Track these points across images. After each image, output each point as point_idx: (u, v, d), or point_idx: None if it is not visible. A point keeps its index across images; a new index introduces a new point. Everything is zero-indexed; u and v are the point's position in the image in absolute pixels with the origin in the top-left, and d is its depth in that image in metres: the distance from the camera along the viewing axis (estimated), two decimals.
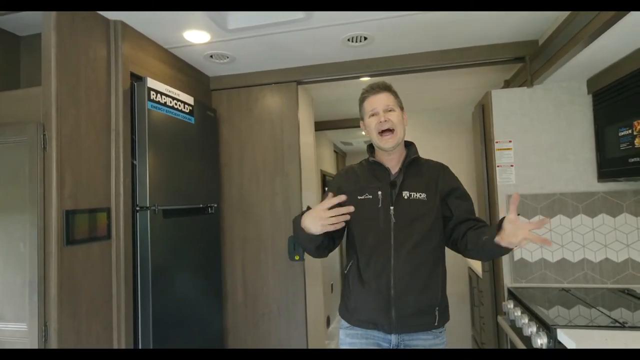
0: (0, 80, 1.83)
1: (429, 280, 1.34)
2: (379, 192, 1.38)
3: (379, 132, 1.38)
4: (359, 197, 1.39)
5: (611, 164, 1.86)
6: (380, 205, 1.36)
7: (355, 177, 1.46)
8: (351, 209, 1.16)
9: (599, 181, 2.01)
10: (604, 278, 1.99)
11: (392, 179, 1.41)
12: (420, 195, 1.37)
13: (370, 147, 1.50)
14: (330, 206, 1.16)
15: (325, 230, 1.18)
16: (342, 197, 1.17)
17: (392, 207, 1.35)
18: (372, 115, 1.41)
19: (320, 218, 1.16)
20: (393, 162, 1.44)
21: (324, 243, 1.31)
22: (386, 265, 1.33)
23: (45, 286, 1.45)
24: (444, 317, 1.39)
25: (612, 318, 1.47)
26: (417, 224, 1.34)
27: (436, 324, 1.36)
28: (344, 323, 1.44)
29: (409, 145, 1.49)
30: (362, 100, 1.46)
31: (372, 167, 1.46)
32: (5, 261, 1.51)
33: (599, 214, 2.02)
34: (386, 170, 1.42)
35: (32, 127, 1.49)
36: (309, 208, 1.24)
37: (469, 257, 1.39)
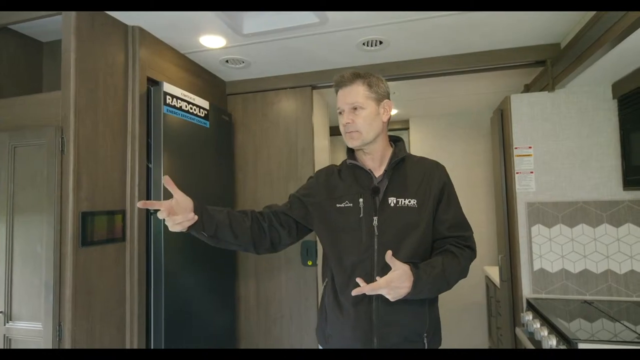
0: (24, 85, 1.88)
1: (416, 303, 1.15)
2: (360, 200, 1.19)
3: (345, 132, 1.21)
4: (338, 205, 1.21)
5: (638, 171, 1.78)
6: (361, 215, 1.18)
7: (335, 180, 1.27)
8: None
9: (624, 189, 1.93)
10: (629, 291, 1.90)
11: (375, 184, 1.21)
12: (410, 201, 1.18)
13: (350, 150, 1.29)
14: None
15: (176, 230, 1.08)
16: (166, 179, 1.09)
17: (375, 218, 1.17)
18: (339, 113, 1.22)
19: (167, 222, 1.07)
20: (375, 163, 1.24)
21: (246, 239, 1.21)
22: None
23: (61, 287, 1.48)
24: (435, 342, 1.22)
25: (637, 333, 1.40)
26: (406, 237, 1.16)
27: None
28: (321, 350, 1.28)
29: (396, 141, 1.30)
30: (336, 93, 1.26)
31: (353, 170, 1.26)
32: (23, 261, 1.54)
33: (624, 223, 1.93)
34: (368, 173, 1.23)
35: (51, 130, 1.52)
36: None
37: None
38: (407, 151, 1.31)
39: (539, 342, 1.59)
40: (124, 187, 1.74)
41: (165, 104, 1.87)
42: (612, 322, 1.55)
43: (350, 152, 1.29)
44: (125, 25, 1.79)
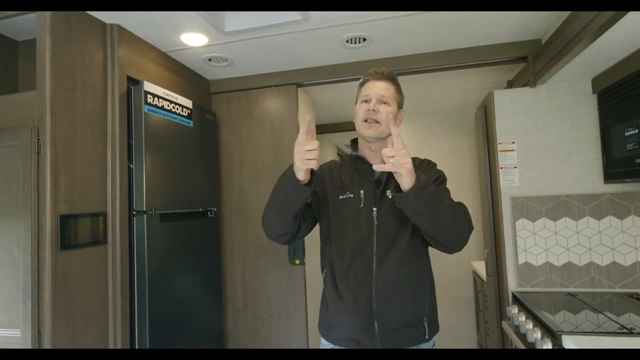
0: None
1: (415, 289, 1.22)
2: (361, 191, 1.24)
3: (364, 119, 1.25)
4: (340, 197, 1.26)
5: (618, 164, 1.81)
6: (362, 206, 1.23)
7: (338, 173, 1.32)
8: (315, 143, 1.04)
9: (605, 183, 1.96)
10: (612, 282, 1.94)
11: (377, 177, 1.27)
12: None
13: (354, 142, 1.37)
14: (306, 131, 1.04)
15: (307, 167, 1.04)
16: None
17: (375, 209, 1.22)
18: (364, 101, 1.26)
19: (299, 152, 1.03)
20: (377, 159, 1.27)
21: (297, 218, 1.18)
22: (367, 274, 1.19)
23: (39, 292, 1.44)
24: (434, 327, 1.27)
25: (619, 324, 1.43)
26: (402, 227, 1.21)
27: (427, 336, 1.22)
28: (324, 342, 1.30)
29: None
30: (361, 83, 1.31)
31: (355, 163, 1.32)
32: (0, 266, 1.49)
33: (605, 216, 1.96)
34: (370, 167, 1.26)
35: (27, 131, 1.48)
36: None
37: (435, 246, 1.20)
38: None
39: (524, 335, 1.61)
40: (104, 189, 1.70)
41: (147, 103, 1.83)
42: (596, 314, 1.57)
43: (354, 146, 1.35)
44: (103, 23, 1.75)
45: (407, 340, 1.21)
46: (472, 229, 1.21)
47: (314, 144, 1.03)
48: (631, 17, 1.30)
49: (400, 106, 1.30)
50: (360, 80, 1.32)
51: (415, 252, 1.22)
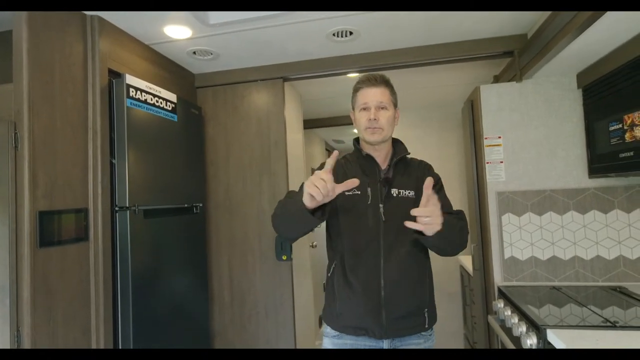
0: None
1: (418, 281, 1.31)
2: (368, 189, 1.31)
3: (367, 127, 1.32)
4: (347, 193, 1.30)
5: (602, 159, 1.83)
6: (369, 202, 1.30)
7: (343, 171, 1.37)
8: (356, 182, 1.09)
9: (589, 177, 1.98)
10: (596, 276, 1.96)
11: (383, 175, 1.34)
12: (409, 193, 1.33)
13: (357, 141, 1.43)
14: (329, 169, 1.06)
15: (310, 191, 1.04)
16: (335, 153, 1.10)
17: (381, 205, 1.29)
18: (363, 109, 1.33)
19: (312, 178, 1.05)
20: (380, 159, 1.36)
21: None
22: (376, 266, 1.27)
23: (18, 290, 1.40)
24: (433, 318, 1.35)
25: (603, 317, 1.44)
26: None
27: (426, 325, 1.32)
28: (330, 331, 1.35)
29: (396, 142, 1.43)
30: (355, 90, 1.37)
31: (361, 161, 1.38)
32: None
33: (590, 210, 1.98)
34: (376, 165, 1.35)
35: (3, 125, 1.43)
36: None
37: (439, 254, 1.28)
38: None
39: (510, 330, 1.62)
40: (85, 184, 1.66)
41: (129, 97, 1.79)
42: (580, 307, 1.59)
43: (358, 145, 1.41)
44: (83, 15, 1.70)
45: (410, 328, 1.29)
46: (469, 232, 1.34)
47: (327, 177, 1.04)
48: (614, 14, 1.30)
49: (396, 106, 1.37)
50: (355, 86, 1.37)
51: (418, 246, 1.30)
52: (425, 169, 1.42)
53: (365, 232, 1.29)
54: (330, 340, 1.34)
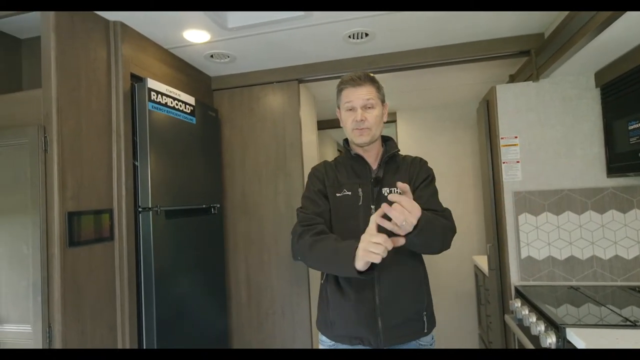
0: (2, 83, 1.83)
1: (414, 284, 1.26)
2: (359, 189, 1.27)
3: (354, 128, 1.27)
4: (337, 195, 1.28)
5: (620, 158, 1.81)
6: (360, 204, 1.25)
7: (333, 172, 1.34)
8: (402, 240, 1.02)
9: (608, 177, 1.97)
10: (614, 275, 1.95)
11: (374, 175, 1.29)
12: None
13: (347, 141, 1.38)
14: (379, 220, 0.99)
15: (369, 260, 0.99)
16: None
17: (373, 206, 1.24)
18: (349, 110, 1.28)
19: (365, 240, 1.00)
20: (371, 158, 1.33)
21: None
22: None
23: (49, 288, 1.45)
24: (432, 322, 1.29)
25: (622, 316, 1.44)
26: None
27: (425, 330, 1.26)
28: (325, 340, 1.30)
29: (386, 140, 1.39)
30: (339, 90, 1.31)
31: (351, 162, 1.34)
32: (10, 263, 1.51)
33: (608, 210, 1.97)
34: (367, 165, 1.31)
35: (33, 129, 1.49)
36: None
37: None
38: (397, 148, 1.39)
39: (528, 328, 1.62)
40: (110, 186, 1.71)
41: (150, 100, 1.84)
42: (598, 307, 1.58)
43: (347, 146, 1.37)
44: (107, 21, 1.75)
45: (409, 335, 1.23)
46: (455, 232, 1.23)
47: (382, 238, 0.98)
48: (633, 13, 1.30)
49: (383, 101, 1.32)
50: (338, 86, 1.32)
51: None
52: (419, 164, 1.35)
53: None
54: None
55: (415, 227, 1.01)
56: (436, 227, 1.10)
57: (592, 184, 2.00)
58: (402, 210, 0.97)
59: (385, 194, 1.25)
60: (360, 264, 1.01)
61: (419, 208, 1.01)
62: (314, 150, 2.93)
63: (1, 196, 1.53)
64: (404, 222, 0.98)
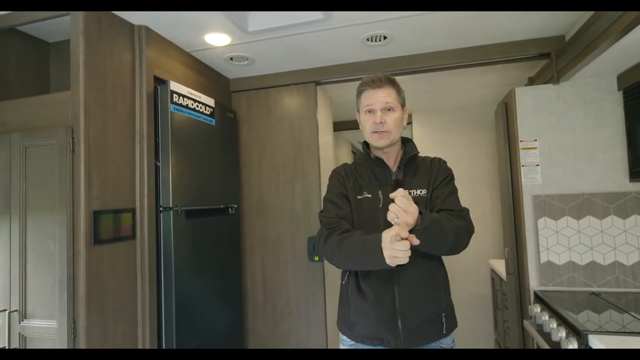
0: (32, 86, 1.89)
1: (434, 284, 1.26)
2: (380, 192, 1.28)
3: (373, 131, 1.28)
4: (358, 197, 1.30)
5: None
6: (381, 206, 1.26)
7: (353, 175, 1.35)
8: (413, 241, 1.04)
9: (631, 181, 1.94)
10: (637, 282, 1.91)
11: (394, 178, 1.30)
12: (421, 191, 1.28)
13: (366, 144, 1.39)
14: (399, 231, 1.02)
15: (395, 264, 1.04)
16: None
17: None
18: (369, 112, 1.28)
19: (388, 248, 1.04)
20: (390, 161, 1.33)
21: None
22: (389, 272, 1.21)
23: (74, 284, 1.50)
24: (451, 323, 1.29)
25: None
26: None
27: (444, 331, 1.25)
28: (346, 340, 1.32)
29: (406, 141, 1.39)
30: (359, 92, 1.32)
31: (371, 164, 1.35)
32: (37, 260, 1.56)
33: (631, 215, 1.94)
34: (387, 167, 1.31)
35: (62, 130, 1.54)
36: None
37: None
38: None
39: (548, 334, 1.60)
40: (133, 186, 1.75)
41: (172, 102, 1.88)
42: (620, 314, 1.56)
43: (367, 148, 1.38)
44: (132, 25, 1.80)
45: (428, 336, 1.23)
46: (473, 232, 1.24)
47: (404, 244, 1.02)
48: None
49: (403, 105, 1.32)
50: (359, 88, 1.33)
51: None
52: (438, 164, 1.35)
53: None
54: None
55: (419, 226, 1.05)
56: (444, 228, 1.11)
57: (614, 189, 1.96)
58: (398, 210, 1.03)
59: None
60: (391, 261, 1.05)
61: (416, 208, 1.05)
62: (330, 152, 2.94)
63: (31, 195, 1.59)
64: (395, 219, 1.03)
